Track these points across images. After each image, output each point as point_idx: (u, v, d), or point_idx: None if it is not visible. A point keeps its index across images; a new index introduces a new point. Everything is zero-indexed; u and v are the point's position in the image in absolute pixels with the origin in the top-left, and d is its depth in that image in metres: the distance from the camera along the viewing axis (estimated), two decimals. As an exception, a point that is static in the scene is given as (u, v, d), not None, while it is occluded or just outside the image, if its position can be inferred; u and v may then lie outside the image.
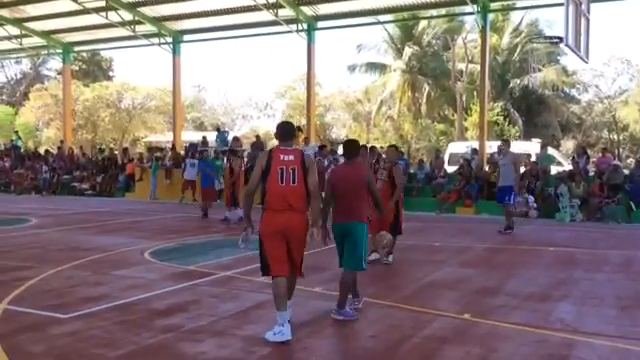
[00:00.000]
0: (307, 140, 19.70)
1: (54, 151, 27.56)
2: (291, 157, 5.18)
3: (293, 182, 5.14)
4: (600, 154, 19.72)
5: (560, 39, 14.67)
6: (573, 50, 12.54)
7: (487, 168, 18.16)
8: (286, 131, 5.43)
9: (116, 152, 28.68)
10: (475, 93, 30.51)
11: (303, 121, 27.85)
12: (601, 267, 8.62)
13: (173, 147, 23.93)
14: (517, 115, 33.43)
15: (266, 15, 21.46)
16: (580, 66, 36.84)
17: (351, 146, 6.06)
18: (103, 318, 5.66)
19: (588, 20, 13.66)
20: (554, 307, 6.23)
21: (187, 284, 7.18)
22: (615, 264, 8.93)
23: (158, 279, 7.50)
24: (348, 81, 76.17)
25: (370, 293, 6.68)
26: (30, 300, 6.29)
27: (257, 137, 22.71)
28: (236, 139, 17.63)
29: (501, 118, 32.28)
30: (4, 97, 51.35)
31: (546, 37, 27.42)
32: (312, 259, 8.74)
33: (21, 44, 27.13)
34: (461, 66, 34.83)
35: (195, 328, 5.35)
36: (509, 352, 4.81)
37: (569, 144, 40.30)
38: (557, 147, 34.51)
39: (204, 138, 23.17)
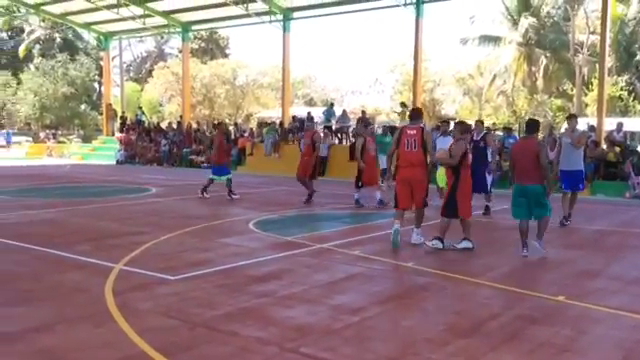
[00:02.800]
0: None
1: (175, 126, 29.28)
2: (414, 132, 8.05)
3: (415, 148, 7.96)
4: None
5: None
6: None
7: (605, 147, 17.12)
8: (414, 113, 8.61)
9: (231, 127, 29.95)
10: (596, 66, 28.62)
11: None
12: None
13: (281, 123, 24.62)
14: (644, 90, 31.00)
15: (374, -11, 21.35)
16: None
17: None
18: (206, 281, 6.12)
19: None
20: (659, 294, 5.91)
21: (284, 254, 7.53)
22: None
23: (258, 248, 7.92)
24: (460, 55, 73.88)
25: (463, 270, 6.68)
26: (143, 262, 6.89)
27: (363, 112, 22.81)
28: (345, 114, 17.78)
29: (625, 93, 30.10)
30: (131, 74, 55.03)
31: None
32: (410, 235, 8.85)
33: (144, 24, 28.88)
34: (582, 38, 32.74)
35: (287, 295, 5.65)
36: (599, 335, 4.67)
37: None
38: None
39: (309, 114, 23.61)
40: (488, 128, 15.78)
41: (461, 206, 7.91)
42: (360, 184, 12.48)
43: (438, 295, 5.81)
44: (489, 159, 11.07)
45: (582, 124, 20.91)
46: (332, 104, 25.91)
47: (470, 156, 8.15)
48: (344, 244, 8.19)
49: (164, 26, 30.28)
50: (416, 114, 8.53)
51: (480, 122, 12.17)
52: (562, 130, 15.38)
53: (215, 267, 6.71)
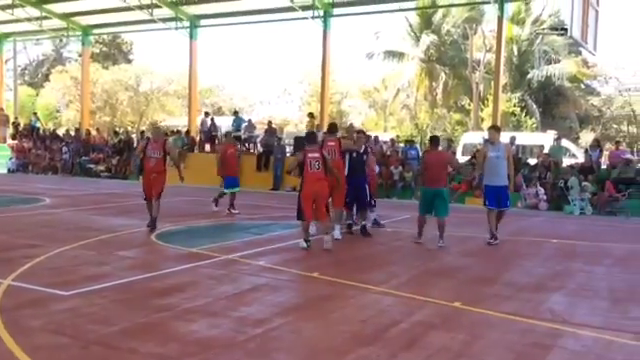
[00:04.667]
0: (319, 127, 19.75)
1: (73, 133, 27.95)
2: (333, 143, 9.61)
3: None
4: (614, 147, 19.54)
5: (565, 30, 14.56)
6: (578, 41, 12.51)
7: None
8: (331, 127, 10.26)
9: (134, 135, 29.02)
10: (492, 83, 30.28)
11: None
12: (601, 260, 8.63)
13: (187, 132, 24.15)
14: (535, 107, 33.14)
15: (282, 1, 21.51)
16: (601, 58, 36.35)
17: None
18: (102, 296, 5.84)
19: (597, 11, 13.56)
20: (546, 298, 6.29)
21: (188, 266, 7.35)
22: (616, 257, 8.94)
23: (160, 260, 7.69)
24: (366, 69, 75.79)
25: (365, 279, 6.80)
26: (34, 277, 6.49)
27: (269, 123, 22.81)
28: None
29: (518, 109, 32.05)
30: (26, 78, 52.02)
31: (552, 28, 27.03)
32: (316, 245, 8.92)
33: (41, 26, 27.45)
34: (479, 56, 34.56)
35: (190, 308, 5.51)
36: (493, 339, 4.89)
37: (588, 137, 39.86)
38: (576, 140, 34.20)
39: (211, 119, 23.42)
40: (373, 137, 15.59)
41: (303, 209, 8.76)
42: (373, 202, 11.11)
43: (342, 304, 5.87)
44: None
45: (478, 138, 22.07)
46: (236, 112, 25.68)
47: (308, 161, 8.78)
48: (250, 255, 8.12)
49: (63, 29, 28.90)
50: (333, 128, 10.19)
51: (362, 132, 11.30)
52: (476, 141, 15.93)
53: (113, 281, 6.43)
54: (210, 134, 23.11)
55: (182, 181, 10.55)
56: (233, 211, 12.88)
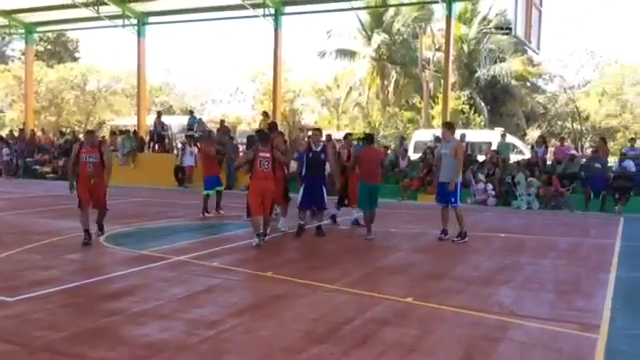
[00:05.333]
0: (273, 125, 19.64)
1: (17, 133, 27.02)
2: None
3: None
4: (558, 143, 20.18)
5: (510, 29, 14.97)
6: (522, 40, 12.88)
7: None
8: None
9: (80, 135, 28.25)
10: (441, 81, 30.83)
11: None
12: (547, 253, 8.89)
13: (135, 132, 23.67)
14: (483, 104, 33.90)
15: (232, -1, 21.33)
16: (546, 57, 37.47)
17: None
18: (49, 301, 5.68)
19: (540, 11, 13.99)
20: (495, 291, 6.45)
21: (138, 268, 7.22)
22: (561, 250, 9.24)
23: (110, 263, 7.54)
24: (318, 67, 76.06)
25: (319, 277, 6.82)
26: (-23, 283, 6.26)
27: (221, 122, 22.59)
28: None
29: (467, 107, 32.72)
30: (-34, 77, 49.98)
31: (497, 27, 27.70)
32: (270, 245, 8.91)
33: (-19, 23, 26.46)
34: (429, 55, 35.10)
35: (140, 311, 5.41)
36: (444, 333, 4.99)
37: (535, 133, 41.01)
38: (523, 136, 35.15)
39: (159, 117, 23.15)
40: (329, 137, 15.34)
41: (251, 205, 9.14)
42: (346, 202, 11.25)
43: (296, 303, 5.87)
44: (327, 172, 10.39)
45: (429, 135, 22.43)
46: (192, 112, 25.41)
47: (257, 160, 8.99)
48: (203, 256, 8.03)
49: (5, 26, 27.88)
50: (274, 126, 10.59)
51: (317, 130, 10.93)
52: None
53: (60, 286, 6.26)
54: (160, 134, 22.73)
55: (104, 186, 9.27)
56: (220, 212, 12.70)
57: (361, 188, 9.94)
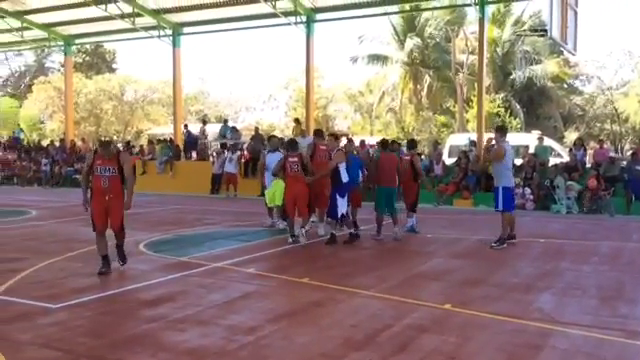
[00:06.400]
0: (304, 132, 19.75)
1: (57, 143, 27.74)
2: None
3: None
4: (597, 146, 19.74)
5: (545, 31, 14.72)
6: (558, 42, 12.64)
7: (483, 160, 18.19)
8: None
9: (119, 144, 28.84)
10: (475, 84, 30.49)
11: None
12: (588, 259, 8.69)
13: (171, 140, 24.05)
14: (518, 107, 33.39)
15: (264, 7, 21.49)
16: (582, 58, 36.76)
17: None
18: (90, 308, 5.79)
19: (576, 12, 13.74)
20: (535, 298, 6.33)
21: (177, 275, 7.31)
22: (603, 255, 9.01)
23: (149, 270, 7.64)
24: (351, 73, 76.05)
25: (355, 284, 6.80)
26: (22, 291, 6.42)
27: (256, 129, 22.78)
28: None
29: (502, 110, 32.28)
30: (8, 89, 51.57)
31: (531, 29, 27.21)
32: (305, 251, 8.98)
33: (22, 37, 27.23)
34: (462, 58, 34.78)
35: (180, 318, 5.47)
36: (484, 340, 4.91)
37: (573, 136, 40.23)
38: (561, 139, 34.49)
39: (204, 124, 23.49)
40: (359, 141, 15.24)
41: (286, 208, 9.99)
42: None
43: (333, 309, 5.86)
44: (343, 180, 9.72)
45: (464, 139, 22.22)
46: (226, 120, 25.72)
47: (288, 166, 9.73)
48: (239, 262, 8.09)
49: (45, 39, 28.68)
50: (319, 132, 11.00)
51: (333, 136, 11.04)
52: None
53: (101, 293, 6.39)
54: (198, 141, 23.13)
55: (126, 208, 7.57)
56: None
57: (378, 191, 10.25)
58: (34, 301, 5.98)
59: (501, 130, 9.99)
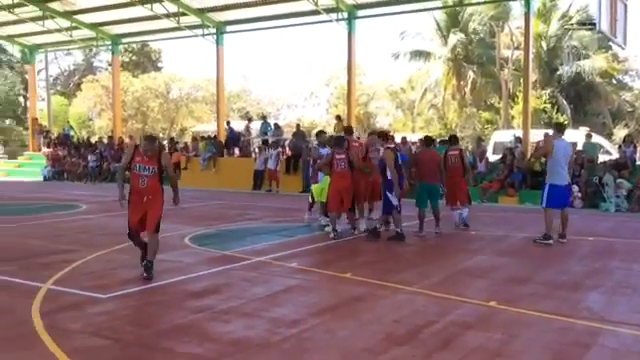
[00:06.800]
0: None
1: (106, 140, 28.48)
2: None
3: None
4: (648, 143, 19.12)
5: (594, 25, 14.34)
6: (607, 35, 12.29)
7: (529, 157, 17.83)
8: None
9: (165, 142, 29.39)
10: (521, 80, 29.90)
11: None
12: (639, 257, 8.43)
13: (215, 137, 24.37)
14: (565, 103, 32.59)
15: (306, 5, 21.54)
16: (632, 52, 35.61)
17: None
18: (138, 299, 5.95)
19: (625, 5, 13.34)
20: (584, 296, 6.19)
21: (222, 268, 7.43)
22: (654, 254, 8.74)
23: (194, 263, 7.78)
24: (392, 69, 75.46)
25: (397, 279, 6.77)
26: (72, 281, 6.63)
27: (297, 127, 22.89)
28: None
29: (549, 106, 31.56)
30: (58, 88, 53.15)
31: (580, 23, 26.45)
32: (348, 246, 9.00)
33: (71, 36, 28.00)
34: (507, 53, 34.14)
35: (225, 309, 5.56)
36: (530, 338, 4.83)
37: (622, 133, 38.99)
38: (609, 136, 33.49)
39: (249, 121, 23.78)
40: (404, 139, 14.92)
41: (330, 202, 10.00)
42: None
43: (375, 305, 5.85)
44: (389, 177, 9.62)
45: (509, 136, 21.81)
46: (265, 117, 25.91)
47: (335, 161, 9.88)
48: (282, 257, 8.16)
49: (92, 39, 29.45)
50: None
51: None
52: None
53: (148, 284, 6.53)
54: (241, 139, 23.41)
55: (176, 204, 7.23)
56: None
57: (420, 187, 10.40)
58: (84, 291, 6.16)
59: (556, 127, 10.10)
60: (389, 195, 9.66)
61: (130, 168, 6.88)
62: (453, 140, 11.68)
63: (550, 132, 10.38)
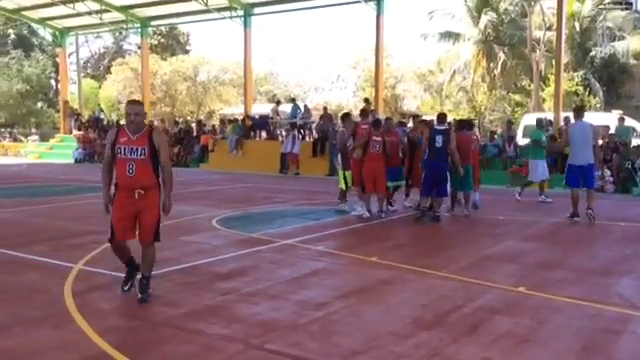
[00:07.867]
0: (374, 112, 19.57)
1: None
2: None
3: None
4: (684, 126, 18.61)
5: (630, 4, 13.92)
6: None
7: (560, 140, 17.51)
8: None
9: (193, 124, 29.62)
10: (553, 62, 29.25)
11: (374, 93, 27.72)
12: (673, 244, 8.26)
13: (243, 119, 24.46)
14: (598, 86, 31.81)
15: (335, -15, 21.38)
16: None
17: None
18: (168, 279, 6.03)
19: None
20: (615, 282, 6.08)
21: (249, 250, 7.49)
22: (689, 241, 8.54)
23: (222, 245, 7.85)
24: (420, 51, 74.58)
25: (424, 264, 6.74)
26: (103, 262, 6.73)
27: (325, 109, 22.82)
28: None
29: (581, 88, 30.86)
30: (89, 71, 53.83)
31: (616, 2, 25.66)
32: (374, 230, 8.99)
33: (101, 19, 28.28)
34: (539, 34, 33.39)
35: (252, 291, 5.61)
36: (560, 324, 4.77)
37: (656, 116, 38.07)
38: (643, 119, 32.68)
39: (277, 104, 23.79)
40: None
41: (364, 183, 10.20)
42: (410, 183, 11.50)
43: (402, 288, 5.84)
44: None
45: (532, 120, 21.35)
46: (293, 99, 25.88)
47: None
48: (308, 240, 8.19)
49: (122, 22, 29.70)
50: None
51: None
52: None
53: (177, 265, 6.62)
54: (269, 121, 23.46)
55: (165, 212, 5.45)
56: (390, 208, 11.19)
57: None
58: (114, 272, 6.25)
59: (574, 110, 10.69)
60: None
61: (114, 156, 5.29)
62: (469, 124, 11.93)
63: (570, 116, 10.87)
